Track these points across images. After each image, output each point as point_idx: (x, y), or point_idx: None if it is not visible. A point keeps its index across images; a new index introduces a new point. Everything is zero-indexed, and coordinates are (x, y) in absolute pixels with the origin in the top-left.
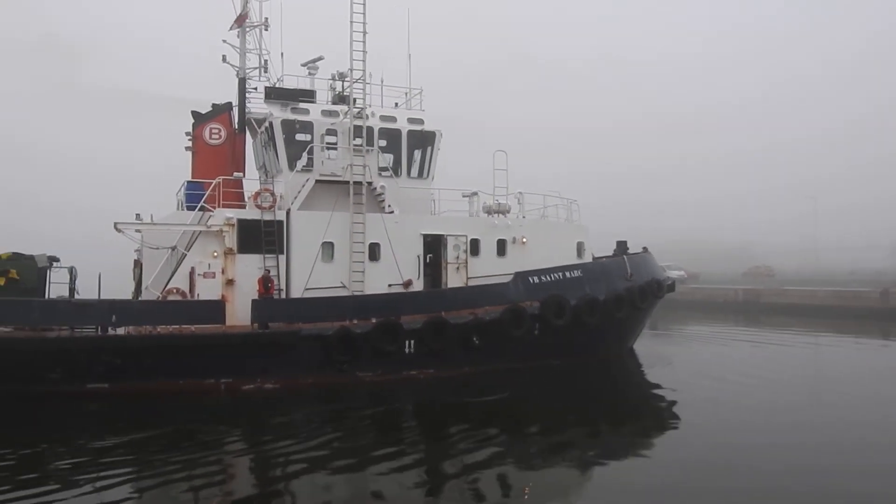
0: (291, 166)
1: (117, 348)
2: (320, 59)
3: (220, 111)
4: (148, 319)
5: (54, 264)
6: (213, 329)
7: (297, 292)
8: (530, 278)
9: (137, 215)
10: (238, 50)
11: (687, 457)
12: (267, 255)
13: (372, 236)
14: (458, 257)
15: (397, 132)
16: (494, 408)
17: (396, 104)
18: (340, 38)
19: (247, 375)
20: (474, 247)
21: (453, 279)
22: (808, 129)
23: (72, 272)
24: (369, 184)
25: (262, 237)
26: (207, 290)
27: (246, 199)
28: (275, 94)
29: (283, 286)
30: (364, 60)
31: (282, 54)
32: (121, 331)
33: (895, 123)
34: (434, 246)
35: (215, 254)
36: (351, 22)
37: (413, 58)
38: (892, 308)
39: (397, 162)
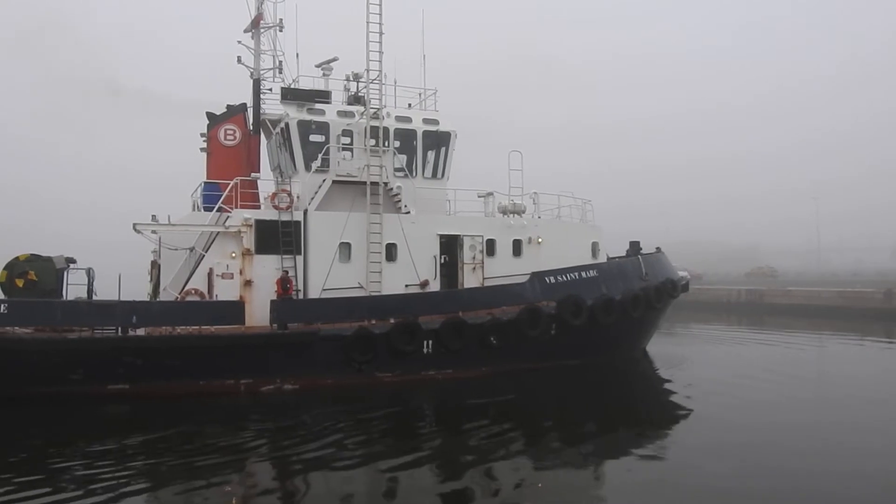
0: (307, 167)
1: (139, 349)
2: (335, 59)
3: (235, 112)
4: (168, 320)
5: (71, 265)
6: (232, 330)
7: (314, 293)
8: (547, 278)
9: (154, 216)
10: (253, 51)
11: (701, 458)
12: (284, 256)
13: (389, 237)
14: (474, 257)
15: (412, 132)
16: (509, 407)
17: (410, 105)
18: (352, 38)
19: (266, 376)
20: (490, 247)
21: (469, 279)
22: (812, 132)
23: (90, 273)
24: (385, 184)
25: (279, 238)
26: (226, 291)
27: (261, 199)
28: (291, 95)
29: (300, 287)
30: (380, 61)
31: (297, 55)
32: (139, 332)
33: None
34: (450, 246)
35: (233, 254)
36: (367, 23)
37: (413, 57)
38: (895, 308)
39: (413, 162)
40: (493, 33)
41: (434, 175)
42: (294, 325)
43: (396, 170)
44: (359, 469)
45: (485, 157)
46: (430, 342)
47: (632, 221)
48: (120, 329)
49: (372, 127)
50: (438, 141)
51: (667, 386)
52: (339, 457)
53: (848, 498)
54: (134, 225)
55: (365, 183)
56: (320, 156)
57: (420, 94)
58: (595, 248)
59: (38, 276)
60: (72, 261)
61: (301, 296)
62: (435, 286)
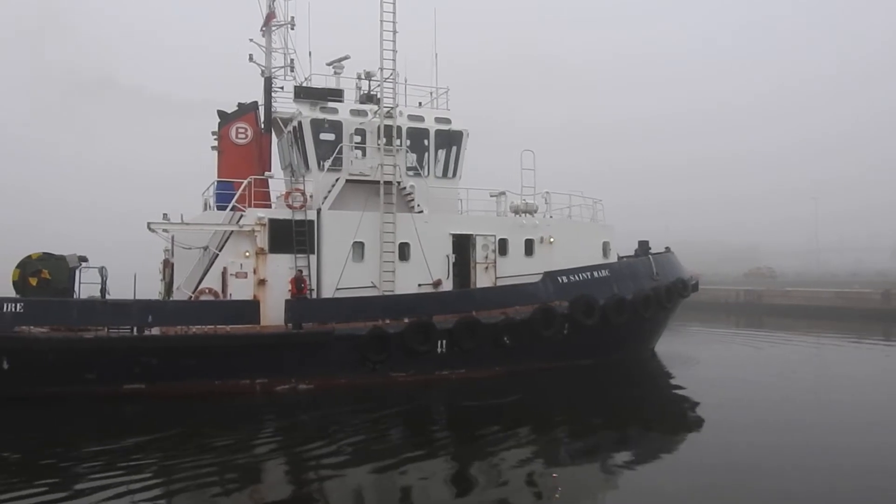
0: (320, 166)
1: (154, 348)
2: (346, 58)
3: (247, 111)
4: (184, 320)
5: (83, 264)
6: (248, 329)
7: (328, 292)
8: (559, 278)
9: (165, 215)
10: (264, 49)
11: (715, 458)
12: (298, 255)
13: (402, 236)
14: (486, 257)
15: (425, 132)
16: (521, 407)
17: (420, 103)
18: (358, 37)
19: (281, 376)
20: (502, 246)
21: (482, 279)
22: (812, 132)
23: (102, 272)
24: (398, 183)
25: (293, 237)
26: (239, 290)
27: (273, 198)
28: (304, 94)
29: (313, 286)
30: (394, 60)
31: (310, 53)
32: (153, 331)
33: None
34: (462, 246)
35: (247, 254)
36: (381, 21)
37: (416, 56)
38: (894, 309)
39: (425, 161)
40: (493, 33)
41: (446, 174)
42: (308, 324)
43: (409, 168)
44: (372, 468)
45: (485, 157)
46: (444, 342)
47: (632, 221)
48: (136, 329)
49: (385, 126)
50: (450, 140)
51: (676, 385)
52: (352, 455)
53: (859, 495)
54: (148, 224)
55: (377, 182)
56: (333, 154)
57: (431, 93)
58: (606, 248)
59: (52, 274)
60: (84, 259)
61: (314, 295)
62: (447, 286)
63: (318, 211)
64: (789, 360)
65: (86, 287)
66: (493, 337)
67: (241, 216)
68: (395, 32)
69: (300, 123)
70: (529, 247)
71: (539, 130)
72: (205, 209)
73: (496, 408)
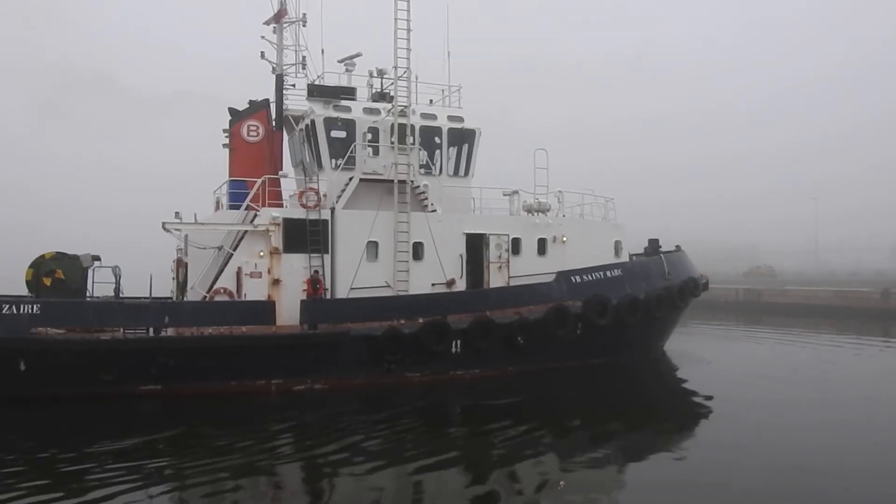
0: (334, 165)
1: (171, 349)
2: (358, 55)
3: (258, 108)
4: (201, 320)
5: (96, 263)
6: (264, 330)
7: (342, 292)
8: (573, 277)
9: (177, 213)
10: (275, 46)
11: (724, 456)
12: (312, 255)
13: (415, 235)
14: (500, 256)
15: (437, 130)
16: (533, 406)
17: (431, 101)
18: (371, 34)
19: (297, 376)
20: (515, 246)
21: (495, 278)
22: (812, 132)
23: (116, 271)
24: (411, 182)
25: (307, 237)
26: (254, 290)
27: (285, 197)
28: (317, 92)
29: (328, 286)
30: (408, 58)
31: (322, 51)
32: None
33: None
34: (476, 245)
35: (261, 253)
36: (395, 19)
37: (422, 53)
38: (892, 308)
39: (438, 160)
40: (492, 33)
41: (458, 173)
42: (323, 325)
43: (421, 166)
44: (385, 466)
45: (488, 154)
46: (459, 342)
47: (631, 221)
48: (152, 329)
49: (399, 124)
50: (463, 138)
51: (685, 384)
52: (365, 455)
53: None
54: (163, 224)
55: (389, 181)
56: (347, 154)
57: (443, 91)
58: (618, 247)
59: (66, 274)
60: (97, 258)
61: (328, 295)
62: (461, 285)
63: (332, 210)
64: (797, 357)
65: (98, 286)
66: (508, 337)
67: (255, 216)
68: (409, 31)
69: (313, 122)
70: (542, 246)
71: (539, 130)
72: (217, 208)
73: (509, 406)
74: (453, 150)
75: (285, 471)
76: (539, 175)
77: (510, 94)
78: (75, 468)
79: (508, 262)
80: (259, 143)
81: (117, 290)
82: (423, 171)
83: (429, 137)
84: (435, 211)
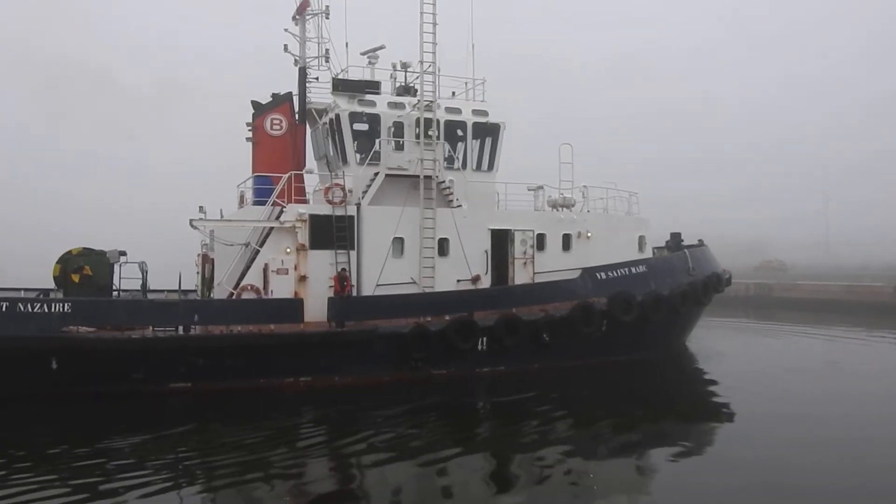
0: (359, 160)
1: (200, 348)
2: (381, 48)
3: (281, 101)
4: (229, 319)
5: (122, 259)
6: (292, 328)
7: (368, 288)
8: (598, 274)
9: (201, 208)
10: (298, 39)
11: (746, 452)
12: (338, 251)
13: (441, 231)
14: (525, 252)
15: (462, 124)
16: (558, 402)
17: (453, 93)
18: (395, 25)
19: (325, 373)
20: (540, 241)
21: (520, 274)
22: (825, 120)
23: (143, 267)
24: (436, 177)
25: (333, 233)
26: (280, 287)
27: (309, 193)
28: (342, 86)
29: (354, 282)
30: (434, 52)
31: (346, 44)
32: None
33: None
34: (501, 241)
35: (288, 250)
36: (421, 13)
37: (446, 44)
38: None
39: (461, 154)
40: (495, 29)
41: (481, 167)
42: (350, 322)
43: (445, 159)
44: (411, 460)
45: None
46: (485, 339)
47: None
48: (182, 328)
49: (426, 119)
50: (488, 133)
51: (707, 379)
52: (391, 448)
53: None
54: (191, 221)
55: (414, 176)
56: (373, 149)
57: (466, 84)
58: (642, 242)
59: (93, 270)
60: (123, 254)
61: (355, 291)
62: (486, 281)
63: (358, 206)
64: (817, 351)
65: (125, 282)
66: (533, 334)
67: (282, 212)
68: (435, 24)
69: (338, 116)
70: (567, 242)
71: (544, 122)
72: (240, 203)
73: (533, 402)
74: (477, 144)
75: (309, 464)
76: (565, 170)
77: (509, 89)
78: (87, 463)
79: (533, 258)
80: (282, 137)
81: (144, 285)
82: (446, 164)
83: (453, 132)
84: (460, 206)
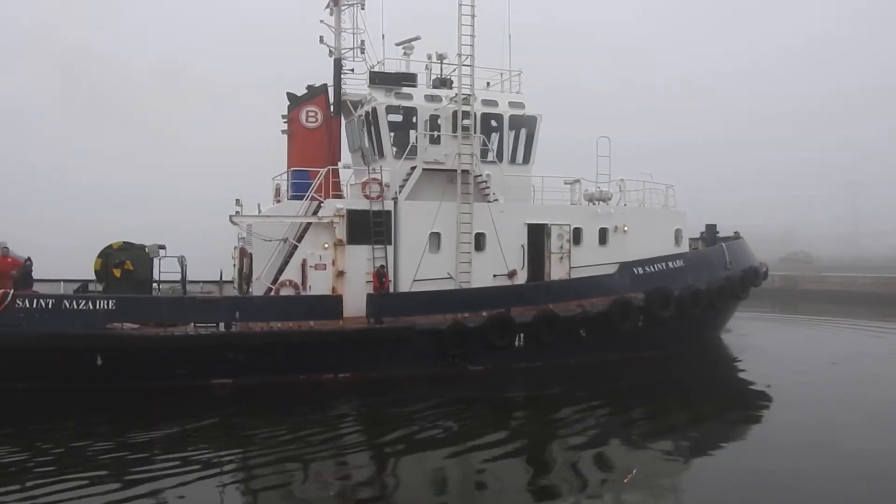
0: (396, 154)
1: (241, 345)
2: (416, 38)
3: (316, 93)
4: (270, 315)
5: (162, 252)
6: (332, 325)
7: (405, 283)
8: (635, 269)
9: (237, 201)
10: (333, 30)
11: (789, 449)
12: (375, 247)
13: (477, 226)
14: (561, 247)
15: (499, 117)
16: (595, 396)
17: (488, 84)
18: (430, 15)
19: (363, 370)
20: (577, 236)
21: (556, 269)
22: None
23: (182, 262)
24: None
25: (370, 228)
26: (318, 282)
27: (344, 187)
28: (379, 79)
29: (391, 277)
30: (472, 45)
31: (383, 36)
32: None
33: None
34: (537, 235)
35: (326, 245)
36: (459, 5)
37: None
38: None
39: (497, 147)
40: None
41: (516, 160)
42: (388, 318)
43: (482, 153)
44: (447, 450)
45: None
46: (522, 335)
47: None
48: (223, 325)
49: (464, 112)
50: (524, 125)
51: (745, 374)
52: (430, 442)
53: None
54: (230, 217)
55: (451, 170)
56: (410, 144)
57: (501, 75)
58: (678, 235)
59: (134, 265)
60: (163, 248)
61: (392, 287)
62: (522, 276)
63: (395, 201)
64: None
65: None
66: (570, 330)
67: (319, 207)
68: (473, 17)
69: (374, 109)
70: (603, 236)
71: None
72: (275, 195)
73: (569, 395)
74: (512, 137)
75: (347, 455)
76: (602, 163)
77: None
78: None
79: (570, 252)
80: (318, 129)
81: (183, 279)
82: (488, 160)
83: (489, 124)
84: (497, 201)
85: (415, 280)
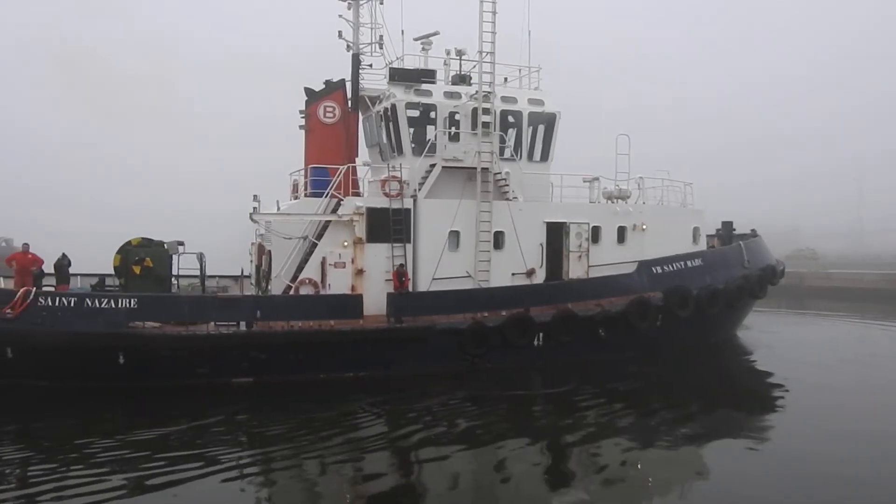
0: (415, 151)
1: (262, 345)
2: (435, 33)
3: (334, 88)
4: (291, 315)
5: (180, 249)
6: (352, 324)
7: (424, 281)
8: (653, 268)
9: (255, 196)
10: (352, 24)
11: (806, 445)
12: (395, 245)
13: (496, 224)
14: (580, 245)
15: (518, 114)
16: (614, 392)
17: (506, 79)
18: (449, 10)
19: (383, 369)
20: (595, 234)
21: (575, 268)
22: (857, 104)
23: (201, 259)
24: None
25: (390, 226)
26: (338, 280)
27: (362, 185)
28: (398, 76)
29: (410, 276)
30: (493, 42)
31: (402, 32)
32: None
33: None
34: (555, 234)
35: (345, 243)
36: (481, 1)
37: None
38: None
39: (514, 143)
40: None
41: (537, 158)
42: (408, 317)
43: (500, 150)
44: (467, 448)
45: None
46: (541, 335)
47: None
48: (245, 324)
49: (484, 109)
50: (543, 122)
51: (761, 370)
52: (448, 437)
53: None
54: (250, 215)
55: (470, 168)
56: (429, 141)
57: (520, 71)
58: (696, 234)
59: (153, 262)
60: (181, 244)
61: (411, 285)
62: (541, 275)
63: (414, 199)
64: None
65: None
66: (589, 329)
67: (338, 204)
68: (494, 13)
69: (394, 106)
70: (622, 234)
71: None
72: (293, 191)
73: (589, 392)
74: (531, 134)
75: (369, 452)
76: (621, 161)
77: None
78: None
79: (588, 250)
80: (335, 125)
81: (202, 275)
82: (507, 157)
83: (509, 121)
84: (516, 199)
85: (434, 279)
